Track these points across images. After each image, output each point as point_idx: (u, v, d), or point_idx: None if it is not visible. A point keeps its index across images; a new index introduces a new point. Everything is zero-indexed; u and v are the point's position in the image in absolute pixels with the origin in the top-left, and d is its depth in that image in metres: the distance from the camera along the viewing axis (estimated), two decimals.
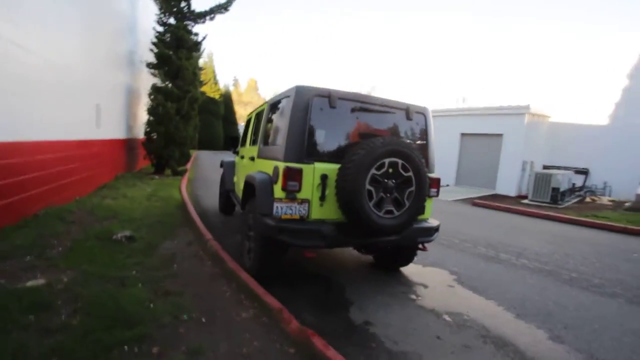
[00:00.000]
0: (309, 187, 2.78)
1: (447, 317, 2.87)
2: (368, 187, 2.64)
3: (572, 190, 11.62)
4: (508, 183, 12.27)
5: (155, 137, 9.46)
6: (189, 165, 11.95)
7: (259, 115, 4.22)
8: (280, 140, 2.95)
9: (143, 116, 10.07)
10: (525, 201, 10.58)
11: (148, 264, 3.41)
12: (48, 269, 3.04)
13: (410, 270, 3.93)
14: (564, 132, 13.41)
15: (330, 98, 2.86)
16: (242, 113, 47.22)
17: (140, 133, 10.25)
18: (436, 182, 3.25)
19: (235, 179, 5.36)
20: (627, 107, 12.21)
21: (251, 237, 3.34)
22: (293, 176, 2.71)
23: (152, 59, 9.70)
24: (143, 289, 2.82)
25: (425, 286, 3.52)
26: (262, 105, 4.10)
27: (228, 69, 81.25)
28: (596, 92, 12.87)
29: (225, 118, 30.11)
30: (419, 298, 3.23)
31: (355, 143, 2.85)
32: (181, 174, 10.26)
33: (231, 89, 39.35)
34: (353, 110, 2.99)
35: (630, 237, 6.83)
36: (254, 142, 4.15)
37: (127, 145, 9.23)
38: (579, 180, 12.31)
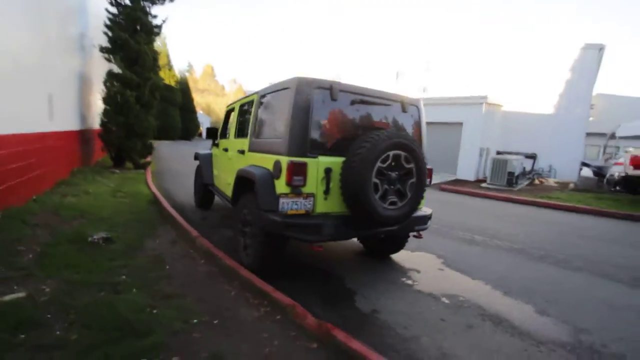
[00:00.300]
0: (313, 181, 2.74)
1: (445, 300, 3.03)
2: (374, 179, 2.67)
3: (524, 173, 12.66)
4: (468, 168, 13.04)
5: (114, 128, 8.72)
6: (150, 158, 11.22)
7: (244, 106, 4.04)
8: (281, 133, 2.85)
9: (97, 105, 9.21)
10: (484, 185, 11.35)
11: (135, 266, 3.20)
12: (24, 279, 2.73)
13: (400, 256, 4.08)
14: (514, 120, 14.47)
15: (332, 90, 2.82)
16: (199, 100, 44.92)
17: (94, 123, 9.37)
18: (430, 172, 3.36)
19: (215, 172, 5.14)
20: (568, 97, 13.45)
21: (247, 233, 3.25)
22: (298, 171, 2.66)
23: (104, 42, 8.84)
24: (140, 294, 2.65)
25: (418, 271, 3.68)
26: (249, 96, 3.93)
27: (180, 53, 76.86)
28: (544, 83, 13.98)
29: (182, 106, 28.56)
30: (415, 283, 3.37)
31: (357, 136, 2.85)
32: (143, 167, 9.62)
33: (186, 75, 37.05)
34: (353, 102, 2.97)
35: (581, 215, 7.64)
36: (240, 135, 3.99)
37: (82, 137, 8.43)
38: (528, 165, 13.43)
